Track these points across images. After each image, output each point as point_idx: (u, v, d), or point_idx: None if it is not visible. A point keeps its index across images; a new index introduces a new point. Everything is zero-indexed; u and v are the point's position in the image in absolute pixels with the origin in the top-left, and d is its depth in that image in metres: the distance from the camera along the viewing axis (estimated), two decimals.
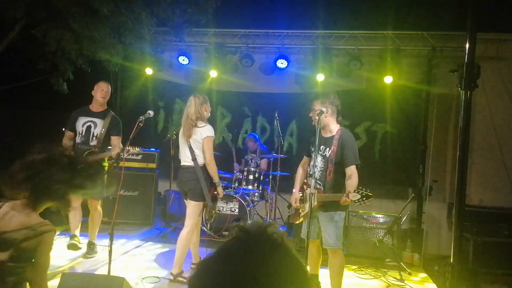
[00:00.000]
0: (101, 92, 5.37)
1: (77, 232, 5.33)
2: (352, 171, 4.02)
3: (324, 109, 4.10)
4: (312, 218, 4.19)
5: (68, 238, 5.37)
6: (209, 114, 4.86)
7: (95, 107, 5.41)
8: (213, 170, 4.70)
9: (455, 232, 3.52)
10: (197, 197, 4.66)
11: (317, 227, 4.25)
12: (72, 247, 5.20)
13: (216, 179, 4.75)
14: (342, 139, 4.13)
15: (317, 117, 4.03)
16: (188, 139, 4.69)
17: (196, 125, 4.65)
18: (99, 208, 5.50)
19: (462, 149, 3.34)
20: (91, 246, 5.47)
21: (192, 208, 4.70)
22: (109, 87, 5.50)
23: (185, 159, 4.76)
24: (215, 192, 4.81)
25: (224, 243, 0.95)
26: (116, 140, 5.43)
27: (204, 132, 4.63)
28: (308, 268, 4.48)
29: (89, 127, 5.35)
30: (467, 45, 3.35)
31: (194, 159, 4.66)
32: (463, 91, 3.34)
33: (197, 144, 4.67)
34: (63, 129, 5.40)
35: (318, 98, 4.24)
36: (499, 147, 7.24)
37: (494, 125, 7.30)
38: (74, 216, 5.33)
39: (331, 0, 8.05)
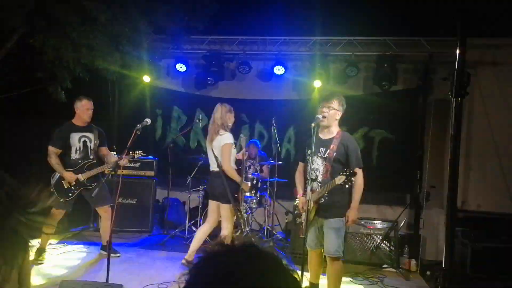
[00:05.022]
0: (87, 111, 5.47)
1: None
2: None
3: (339, 110, 4.18)
4: (311, 226, 4.20)
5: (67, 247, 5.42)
6: (232, 123, 5.21)
7: (80, 122, 5.49)
8: (231, 174, 5.02)
9: (446, 237, 3.57)
10: (226, 201, 5.04)
11: (319, 235, 4.23)
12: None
13: (237, 179, 5.05)
14: (344, 141, 4.14)
15: (323, 117, 4.08)
16: (210, 143, 5.09)
17: (218, 133, 5.03)
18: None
19: (453, 155, 3.37)
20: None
21: (224, 211, 5.10)
22: (92, 103, 5.54)
23: (212, 165, 5.18)
24: (235, 195, 5.10)
25: (210, 249, 0.93)
26: (106, 150, 5.76)
27: (223, 140, 4.99)
28: (308, 275, 4.48)
29: (85, 142, 5.49)
30: (458, 52, 3.38)
31: (219, 165, 5.05)
32: (454, 99, 3.38)
33: (218, 151, 5.03)
34: (51, 146, 5.33)
35: (335, 97, 4.19)
36: (496, 153, 7.25)
37: (491, 130, 7.31)
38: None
39: (328, 6, 8.08)
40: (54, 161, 5.28)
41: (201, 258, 0.92)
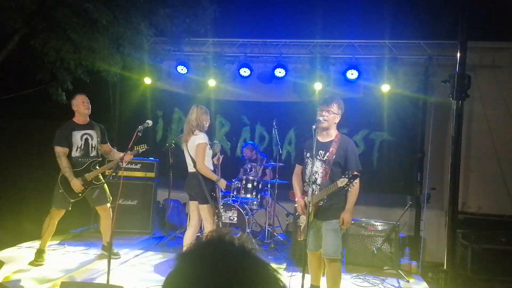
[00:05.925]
0: (83, 104, 5.41)
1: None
2: None
3: (338, 114, 4.21)
4: (311, 228, 4.20)
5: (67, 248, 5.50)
6: (207, 126, 5.16)
7: (81, 120, 5.44)
8: (206, 173, 4.96)
9: (448, 239, 3.58)
10: (203, 201, 4.98)
11: (318, 237, 4.24)
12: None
13: (213, 178, 5.01)
14: (343, 144, 4.16)
15: (325, 119, 4.09)
16: (186, 143, 5.03)
17: (193, 133, 4.97)
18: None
19: (454, 158, 3.38)
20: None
21: (203, 211, 5.04)
22: (86, 97, 5.52)
23: (189, 166, 5.11)
24: (213, 194, 5.05)
25: (195, 246, 0.94)
26: (108, 147, 5.71)
27: (197, 140, 4.93)
28: (310, 277, 4.49)
29: (87, 139, 5.44)
30: (458, 55, 3.39)
31: (195, 165, 4.97)
32: (455, 101, 3.39)
33: (193, 151, 4.97)
34: (58, 146, 5.26)
35: (334, 101, 4.23)
36: (496, 155, 7.27)
37: (491, 132, 7.34)
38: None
39: (329, 9, 8.11)
40: (65, 163, 5.20)
41: (188, 253, 0.92)
